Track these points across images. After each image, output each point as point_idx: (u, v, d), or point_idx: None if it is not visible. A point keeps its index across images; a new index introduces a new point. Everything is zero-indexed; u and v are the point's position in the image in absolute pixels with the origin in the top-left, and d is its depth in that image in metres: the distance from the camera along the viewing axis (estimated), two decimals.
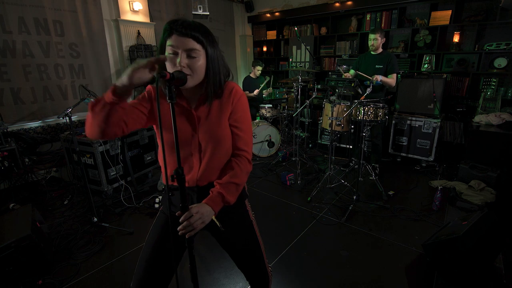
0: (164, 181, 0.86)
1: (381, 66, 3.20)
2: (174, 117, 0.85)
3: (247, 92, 4.43)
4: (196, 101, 1.06)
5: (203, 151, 1.07)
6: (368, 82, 2.66)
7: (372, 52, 3.28)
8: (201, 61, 0.97)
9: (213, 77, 1.01)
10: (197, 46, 0.95)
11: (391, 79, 3.15)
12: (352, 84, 3.02)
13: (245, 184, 1.23)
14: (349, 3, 4.57)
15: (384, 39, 3.27)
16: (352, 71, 3.45)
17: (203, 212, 0.94)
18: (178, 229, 0.90)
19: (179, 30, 0.92)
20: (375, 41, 3.18)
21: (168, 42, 0.94)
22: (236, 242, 1.20)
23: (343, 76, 3.47)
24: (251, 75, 4.52)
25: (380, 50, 3.28)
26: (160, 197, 2.94)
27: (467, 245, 1.68)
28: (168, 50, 0.95)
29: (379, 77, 3.00)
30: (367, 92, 2.60)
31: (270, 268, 1.30)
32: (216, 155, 1.07)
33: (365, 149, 3.79)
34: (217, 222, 1.00)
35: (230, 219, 1.16)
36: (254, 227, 1.24)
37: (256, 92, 4.31)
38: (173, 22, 0.93)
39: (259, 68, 4.42)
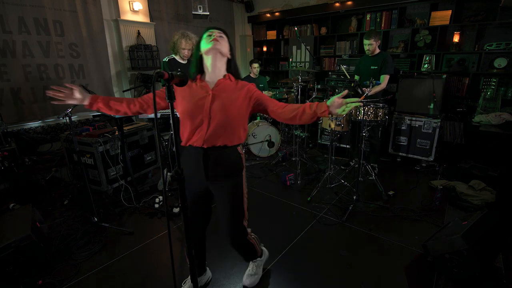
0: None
1: (376, 67, 3.24)
2: (173, 116, 0.85)
3: None
4: (215, 84, 1.39)
5: (212, 118, 1.34)
6: (368, 82, 2.67)
7: (370, 54, 3.33)
8: (226, 44, 1.39)
9: (233, 59, 1.45)
10: (224, 35, 1.40)
11: (382, 83, 3.16)
12: (352, 84, 3.03)
13: (243, 156, 1.51)
14: (349, 3, 4.57)
15: (379, 41, 3.29)
16: (357, 77, 3.49)
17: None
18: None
19: (211, 28, 1.40)
20: (370, 46, 3.23)
21: (206, 34, 1.38)
22: (225, 197, 1.48)
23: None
24: (251, 75, 4.53)
25: (377, 51, 3.30)
26: (160, 197, 2.94)
27: (467, 245, 1.68)
28: (207, 34, 1.38)
29: (366, 95, 2.61)
30: (366, 94, 2.60)
31: (250, 230, 1.61)
32: (221, 124, 1.34)
33: (365, 149, 3.79)
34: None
35: (227, 179, 1.46)
36: (243, 191, 1.52)
37: None
38: (208, 28, 1.40)
39: (256, 65, 4.43)
